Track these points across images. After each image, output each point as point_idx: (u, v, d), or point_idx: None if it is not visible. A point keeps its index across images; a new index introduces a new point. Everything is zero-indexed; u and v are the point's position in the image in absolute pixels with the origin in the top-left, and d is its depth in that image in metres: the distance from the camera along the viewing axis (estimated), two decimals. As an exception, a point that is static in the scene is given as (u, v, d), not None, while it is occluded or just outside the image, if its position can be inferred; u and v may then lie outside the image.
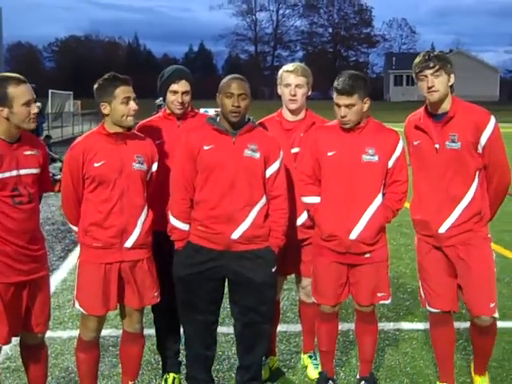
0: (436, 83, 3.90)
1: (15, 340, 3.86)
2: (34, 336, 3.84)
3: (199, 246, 3.97)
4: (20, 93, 3.54)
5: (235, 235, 3.92)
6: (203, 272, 3.97)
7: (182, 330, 4.33)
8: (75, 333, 4.40)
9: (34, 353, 3.91)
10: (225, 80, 3.96)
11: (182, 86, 4.25)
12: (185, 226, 4.01)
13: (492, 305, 3.99)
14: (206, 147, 3.92)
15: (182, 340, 4.37)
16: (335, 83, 4.02)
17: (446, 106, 3.99)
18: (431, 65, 3.91)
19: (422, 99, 4.04)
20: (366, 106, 4.06)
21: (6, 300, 3.60)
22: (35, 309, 3.78)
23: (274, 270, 4.05)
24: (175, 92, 4.26)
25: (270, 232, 4.01)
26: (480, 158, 3.97)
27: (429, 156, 4.03)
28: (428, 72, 3.91)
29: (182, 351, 4.57)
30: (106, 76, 3.90)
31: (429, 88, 3.92)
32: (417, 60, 3.99)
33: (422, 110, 4.12)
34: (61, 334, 5.44)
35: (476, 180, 3.98)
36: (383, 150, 4.07)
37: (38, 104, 21.79)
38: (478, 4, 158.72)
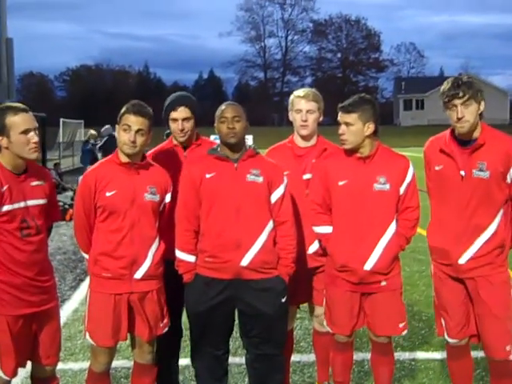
0: (466, 113, 3.69)
1: (26, 373, 3.80)
2: (44, 369, 3.78)
3: (209, 278, 3.91)
4: (18, 121, 3.53)
5: (245, 262, 3.86)
6: (215, 306, 3.91)
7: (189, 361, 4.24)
8: (86, 364, 4.33)
9: (44, 387, 3.85)
10: (218, 108, 3.97)
11: (180, 112, 4.22)
12: (190, 258, 3.96)
13: (508, 348, 3.83)
14: (208, 175, 3.90)
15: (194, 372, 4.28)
16: None
17: (476, 133, 3.80)
18: (461, 94, 3.68)
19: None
20: (368, 131, 3.97)
21: (15, 332, 3.56)
22: (45, 341, 3.73)
23: (284, 300, 3.98)
24: (175, 120, 4.24)
25: (279, 260, 3.95)
26: (507, 188, 3.81)
27: (453, 183, 3.85)
28: (458, 102, 3.70)
29: None
30: None
31: (458, 119, 3.72)
32: (445, 87, 3.75)
33: (447, 133, 3.94)
34: (72, 366, 5.36)
35: (501, 211, 3.83)
36: (394, 177, 4.01)
37: (92, 132, 19.35)
38: (485, 27, 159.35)
